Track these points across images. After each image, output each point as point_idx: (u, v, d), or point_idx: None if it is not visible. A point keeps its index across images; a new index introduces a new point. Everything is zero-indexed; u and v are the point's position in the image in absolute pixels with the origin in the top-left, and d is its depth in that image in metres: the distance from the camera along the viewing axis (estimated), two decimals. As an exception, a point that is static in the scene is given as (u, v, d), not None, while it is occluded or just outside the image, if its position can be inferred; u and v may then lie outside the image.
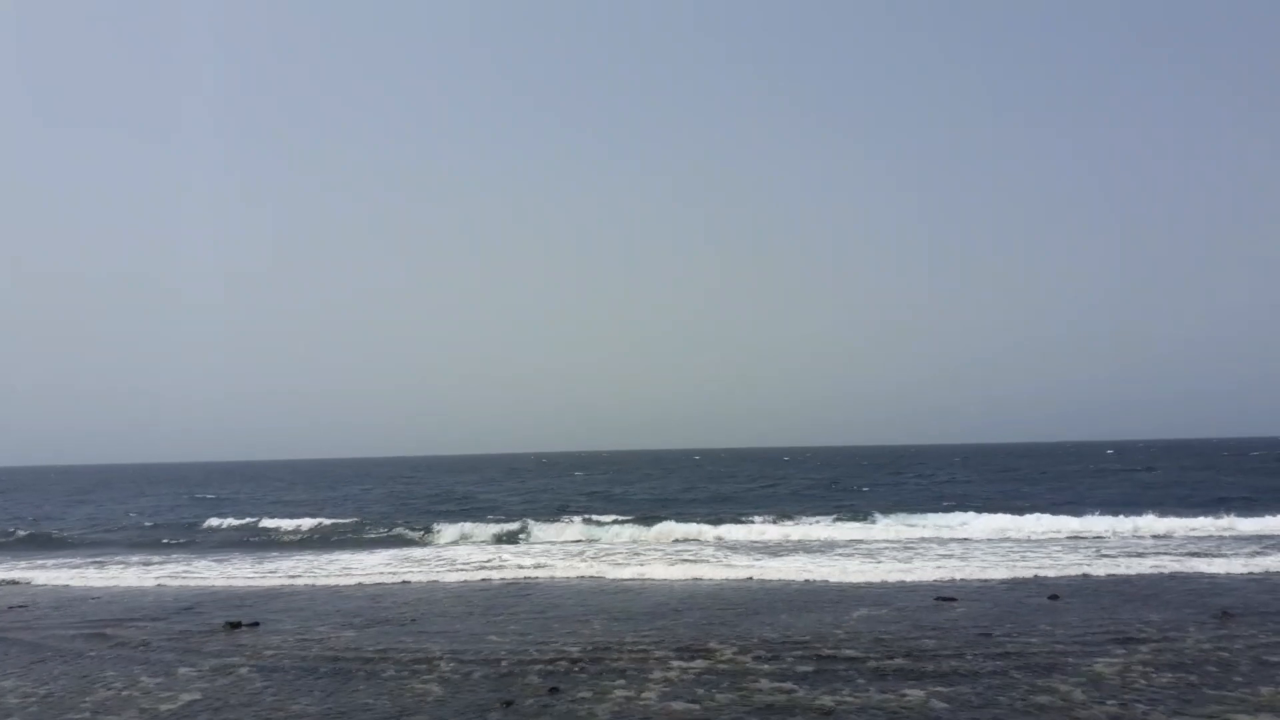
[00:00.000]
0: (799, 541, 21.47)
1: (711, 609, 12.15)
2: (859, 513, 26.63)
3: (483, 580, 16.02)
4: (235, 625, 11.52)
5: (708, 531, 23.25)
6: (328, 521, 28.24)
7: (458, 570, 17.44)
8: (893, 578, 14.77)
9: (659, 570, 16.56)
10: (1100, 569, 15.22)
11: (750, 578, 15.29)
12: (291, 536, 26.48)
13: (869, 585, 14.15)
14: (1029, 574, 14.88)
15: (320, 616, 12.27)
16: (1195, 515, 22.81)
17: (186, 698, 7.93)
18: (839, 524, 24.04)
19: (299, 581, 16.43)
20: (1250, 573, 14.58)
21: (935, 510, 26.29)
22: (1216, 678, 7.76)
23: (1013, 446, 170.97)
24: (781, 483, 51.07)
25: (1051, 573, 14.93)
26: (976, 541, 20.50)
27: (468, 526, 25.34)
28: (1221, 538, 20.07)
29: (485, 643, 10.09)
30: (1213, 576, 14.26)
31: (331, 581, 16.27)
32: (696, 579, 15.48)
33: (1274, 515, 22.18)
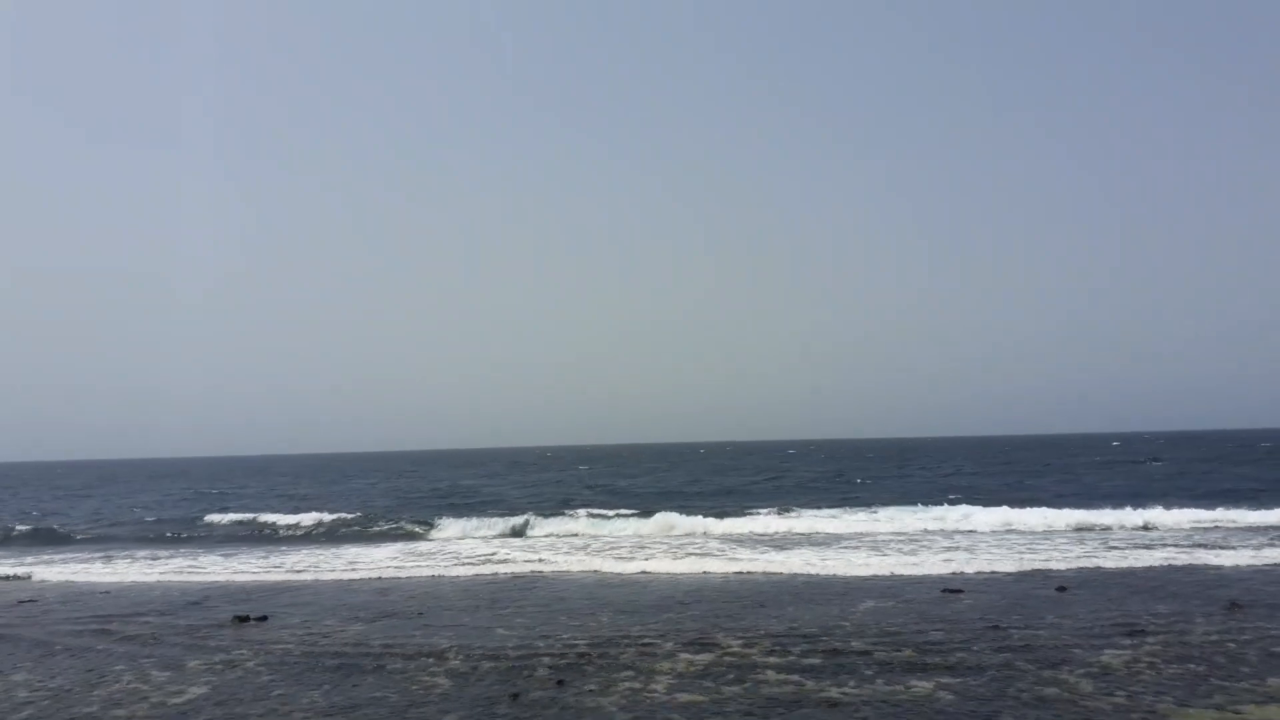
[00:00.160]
0: (804, 534, 21.47)
1: (717, 602, 12.16)
2: (864, 505, 26.61)
3: (489, 574, 16.05)
4: (243, 619, 11.57)
5: (713, 525, 23.25)
6: (334, 516, 28.30)
7: (463, 564, 17.48)
8: (899, 570, 14.76)
9: (664, 564, 16.57)
10: (1107, 561, 15.18)
11: (756, 571, 15.29)
12: (297, 531, 26.56)
13: (875, 578, 14.14)
14: (1035, 566, 14.85)
15: (328, 610, 12.30)
16: (1202, 507, 22.75)
17: (195, 691, 7.96)
18: (844, 517, 24.01)
19: (306, 576, 16.48)
20: (1258, 564, 14.53)
21: (941, 503, 26.24)
22: (1224, 668, 7.73)
23: (1018, 439, 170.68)
24: (786, 475, 51.07)
25: (1058, 565, 14.90)
26: (982, 534, 20.47)
27: (473, 521, 25.39)
28: (1229, 529, 20.02)
29: (492, 636, 10.11)
30: (1220, 568, 14.22)
31: (338, 576, 16.31)
32: (702, 572, 15.48)
33: (1281, 507, 22.09)
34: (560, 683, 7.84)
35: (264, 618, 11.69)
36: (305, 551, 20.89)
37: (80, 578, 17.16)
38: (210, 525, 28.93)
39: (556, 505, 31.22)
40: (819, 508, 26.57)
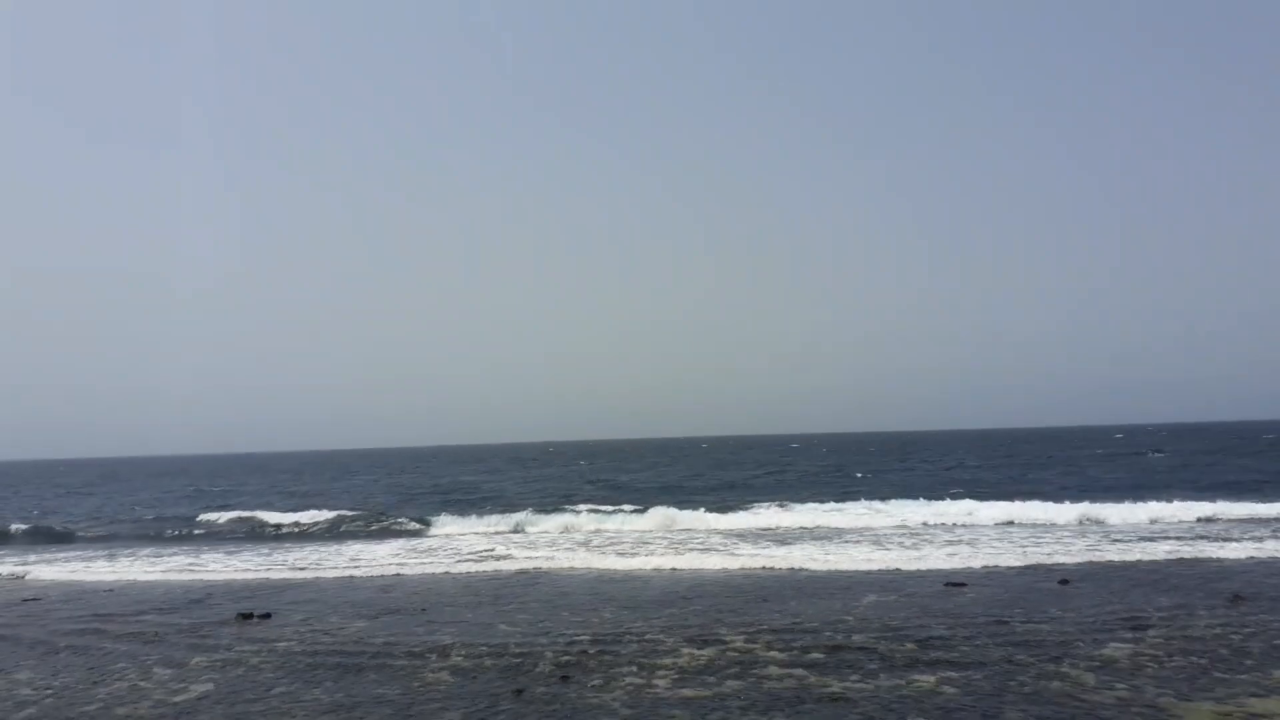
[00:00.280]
0: (806, 529, 21.48)
1: (720, 597, 12.16)
2: (867, 499, 26.59)
3: (490, 570, 16.06)
4: (247, 616, 11.58)
5: (714, 520, 23.27)
6: (336, 513, 28.33)
7: (466, 560, 17.50)
8: (901, 565, 14.76)
9: (667, 559, 16.57)
10: (1110, 554, 15.18)
11: (758, 565, 15.29)
12: (299, 528, 26.59)
13: (878, 572, 14.14)
14: (1038, 559, 14.85)
15: (331, 607, 12.32)
16: (1205, 500, 22.73)
17: (199, 689, 7.97)
18: (846, 511, 24.01)
19: (308, 573, 16.49)
20: (1261, 557, 14.52)
21: (943, 497, 26.24)
22: (1227, 661, 7.73)
23: (1020, 432, 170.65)
24: (788, 470, 51.09)
25: (1061, 558, 14.90)
26: (984, 527, 20.48)
27: (475, 517, 25.41)
28: (1231, 522, 20.01)
29: (495, 632, 10.11)
30: (1223, 561, 14.22)
31: (341, 573, 16.32)
32: (704, 567, 15.49)
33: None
34: (564, 678, 7.84)
35: (267, 615, 11.70)
36: (307, 549, 20.91)
37: (82, 576, 17.17)
38: (212, 523, 28.95)
39: (558, 501, 31.23)
40: (821, 502, 26.55)
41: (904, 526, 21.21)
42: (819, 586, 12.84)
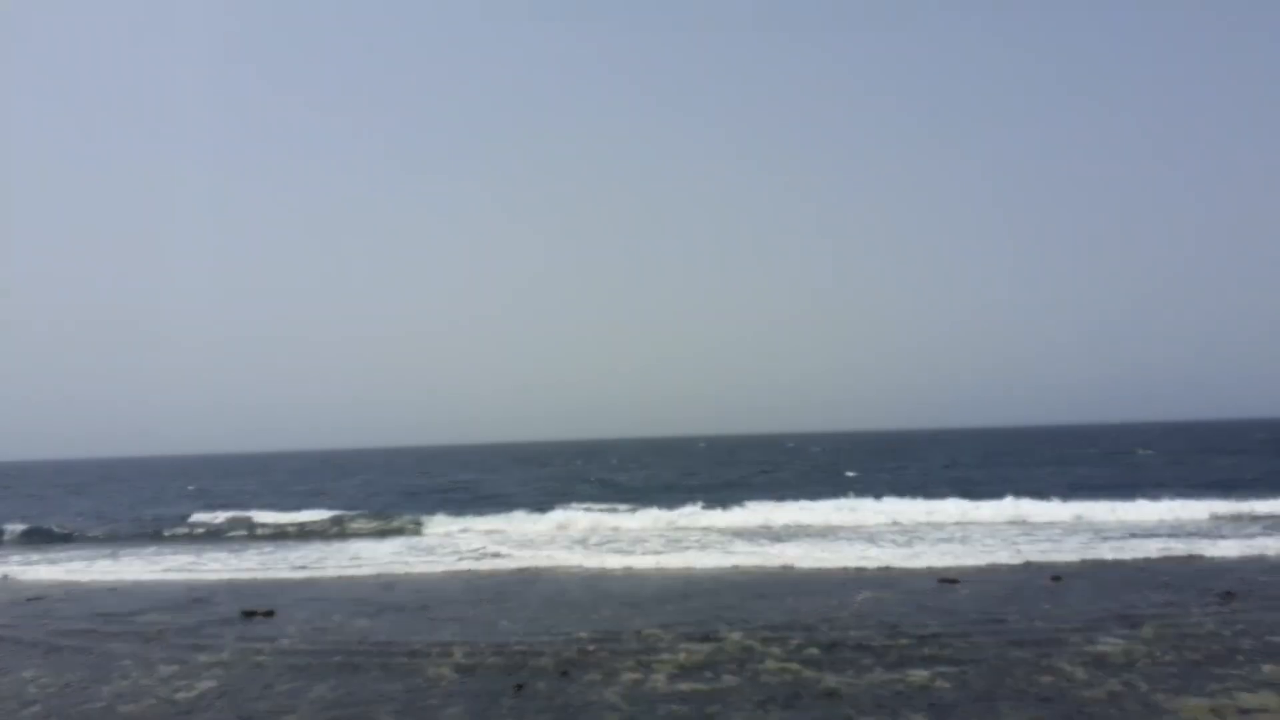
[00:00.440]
0: (802, 526, 21.60)
1: (717, 594, 12.29)
2: (861, 497, 26.71)
3: (490, 569, 16.17)
4: (250, 614, 11.68)
5: (711, 517, 23.37)
6: (336, 512, 28.39)
7: (466, 559, 17.60)
8: (896, 562, 14.89)
9: (664, 557, 16.69)
10: (1102, 551, 15.32)
11: (754, 563, 15.41)
12: (300, 527, 26.62)
13: (873, 569, 14.28)
14: (1031, 557, 14.99)
15: (333, 605, 12.42)
16: (1197, 497, 22.90)
17: (203, 686, 8.07)
18: (841, 509, 24.13)
19: (309, 572, 16.59)
20: (1252, 554, 14.68)
21: (936, 495, 26.37)
22: (1219, 657, 7.87)
23: (1013, 430, 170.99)
24: (784, 468, 51.24)
25: (1053, 555, 15.05)
26: (978, 525, 20.62)
27: (474, 515, 25.49)
28: (1224, 519, 20.18)
29: (496, 629, 10.23)
30: (1215, 558, 14.37)
31: (342, 571, 16.42)
32: (701, 565, 15.61)
33: (1277, 497, 22.26)
34: (564, 674, 7.96)
35: (270, 613, 11.81)
36: (309, 547, 21.00)
37: (84, 576, 17.24)
38: (212, 522, 28.96)
39: (557, 499, 31.31)
40: (816, 499, 26.66)
41: (897, 524, 21.35)
42: (814, 583, 12.98)
